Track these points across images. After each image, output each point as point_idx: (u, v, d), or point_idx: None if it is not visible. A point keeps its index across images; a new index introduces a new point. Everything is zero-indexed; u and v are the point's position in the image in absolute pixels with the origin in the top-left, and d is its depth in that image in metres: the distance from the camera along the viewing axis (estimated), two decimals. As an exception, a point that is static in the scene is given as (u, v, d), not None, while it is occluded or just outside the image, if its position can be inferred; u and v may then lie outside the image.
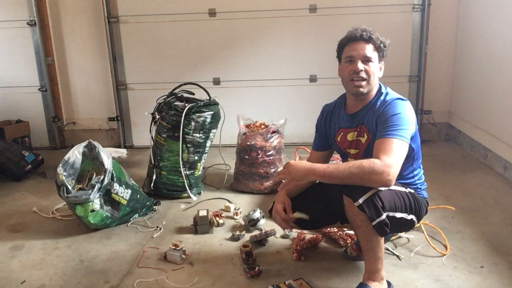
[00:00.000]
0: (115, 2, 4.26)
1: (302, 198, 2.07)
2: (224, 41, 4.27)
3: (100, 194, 2.53)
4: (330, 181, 1.70)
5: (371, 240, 1.75)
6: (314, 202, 2.02)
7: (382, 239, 1.77)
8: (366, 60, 1.84)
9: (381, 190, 1.69)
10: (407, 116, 1.79)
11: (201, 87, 3.12)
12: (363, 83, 1.85)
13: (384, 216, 1.69)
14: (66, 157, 2.61)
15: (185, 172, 3.02)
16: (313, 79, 4.30)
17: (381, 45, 1.86)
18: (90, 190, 2.48)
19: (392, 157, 1.66)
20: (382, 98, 1.88)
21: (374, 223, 1.68)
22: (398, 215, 1.77)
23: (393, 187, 1.76)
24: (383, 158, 1.65)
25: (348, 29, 1.93)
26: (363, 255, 1.84)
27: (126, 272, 2.16)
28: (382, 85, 1.95)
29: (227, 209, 2.84)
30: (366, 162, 1.64)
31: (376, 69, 1.87)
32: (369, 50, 1.84)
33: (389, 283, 1.89)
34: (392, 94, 1.89)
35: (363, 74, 1.84)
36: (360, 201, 1.67)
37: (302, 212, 1.96)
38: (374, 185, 1.67)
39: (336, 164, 1.74)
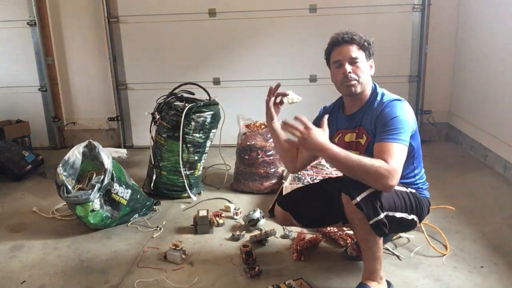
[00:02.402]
0: (115, 2, 4.25)
1: (305, 198, 2.07)
2: (224, 41, 4.27)
3: (100, 194, 2.53)
4: (337, 166, 1.69)
5: (368, 239, 1.75)
6: (316, 201, 2.02)
7: (381, 239, 1.77)
8: (353, 61, 1.85)
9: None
10: (405, 117, 1.78)
11: (201, 87, 3.12)
12: (355, 82, 1.85)
13: (382, 215, 1.69)
14: (66, 157, 2.61)
15: (185, 172, 3.02)
16: (313, 79, 4.29)
17: (365, 43, 1.87)
18: (90, 190, 2.48)
19: (398, 162, 1.65)
20: (378, 99, 1.88)
21: (371, 222, 1.68)
22: (398, 215, 1.77)
23: None
24: (390, 162, 1.64)
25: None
26: (362, 254, 1.84)
27: (126, 272, 2.16)
28: (377, 85, 1.95)
29: (227, 209, 2.84)
30: (377, 162, 1.62)
31: (365, 67, 1.87)
32: (353, 51, 1.85)
33: (389, 283, 1.89)
34: (388, 95, 1.89)
35: (352, 75, 1.84)
36: (358, 199, 1.67)
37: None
38: (376, 186, 1.66)
39: (349, 152, 1.70)
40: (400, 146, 1.71)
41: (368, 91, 1.91)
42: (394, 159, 1.65)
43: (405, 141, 1.73)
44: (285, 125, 1.71)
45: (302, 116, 1.70)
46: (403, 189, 1.84)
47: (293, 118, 1.70)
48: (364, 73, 1.86)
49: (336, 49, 1.88)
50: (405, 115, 1.79)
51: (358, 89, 1.87)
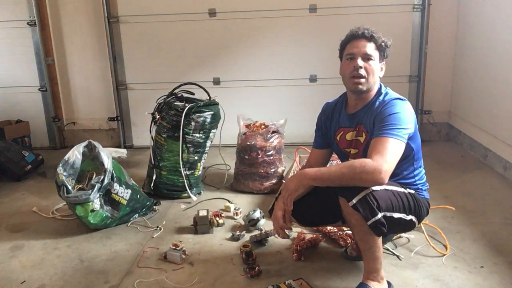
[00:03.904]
0: (115, 2, 4.25)
1: (304, 197, 2.07)
2: (224, 41, 4.27)
3: (100, 194, 2.53)
4: (323, 184, 1.71)
5: (367, 240, 1.75)
6: (315, 200, 2.02)
7: (380, 239, 1.77)
8: (367, 58, 1.85)
9: (376, 190, 1.69)
10: (404, 115, 1.79)
11: (201, 87, 3.12)
12: (362, 80, 1.85)
13: (379, 215, 1.69)
14: (66, 157, 2.61)
15: (185, 172, 3.02)
16: (313, 79, 4.29)
17: (383, 44, 1.87)
18: (90, 190, 2.48)
19: (384, 156, 1.66)
20: (381, 98, 1.88)
21: (369, 222, 1.68)
22: (396, 215, 1.77)
23: (390, 187, 1.76)
24: (375, 157, 1.65)
25: (348, 29, 1.93)
26: (362, 255, 1.84)
27: (126, 272, 2.16)
28: (382, 85, 1.95)
29: (227, 209, 2.84)
30: (357, 162, 1.66)
31: (376, 68, 1.87)
32: (370, 48, 1.85)
33: (389, 283, 1.89)
34: (391, 94, 1.90)
35: (362, 71, 1.84)
36: (354, 201, 1.67)
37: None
38: (366, 184, 1.67)
39: (328, 166, 1.75)
40: (394, 140, 1.71)
41: (374, 91, 1.91)
42: (382, 154, 1.66)
43: (401, 137, 1.73)
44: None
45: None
46: (402, 189, 1.84)
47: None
48: (374, 73, 1.86)
49: (353, 41, 1.88)
50: (404, 113, 1.79)
51: (364, 88, 1.86)
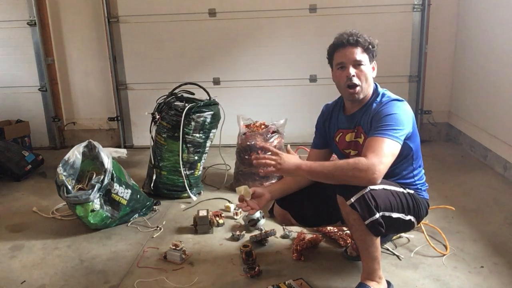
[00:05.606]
0: (115, 2, 4.26)
1: (303, 197, 2.07)
2: (224, 41, 4.27)
3: (100, 194, 2.53)
4: (317, 178, 1.72)
5: (365, 240, 1.75)
6: (315, 200, 2.02)
7: (378, 239, 1.77)
8: (357, 64, 1.84)
9: (374, 190, 1.69)
10: (401, 116, 1.78)
11: (201, 87, 3.13)
12: (358, 88, 1.85)
13: (377, 215, 1.69)
14: (66, 157, 2.61)
15: (185, 172, 3.02)
16: (313, 79, 4.30)
17: (369, 46, 1.86)
18: (90, 190, 2.48)
19: (379, 155, 1.65)
20: (378, 99, 1.88)
21: (366, 222, 1.68)
22: (395, 215, 1.77)
23: (389, 187, 1.76)
24: (369, 156, 1.65)
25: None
26: (360, 255, 1.84)
27: (126, 272, 2.16)
28: (378, 85, 1.95)
29: (227, 209, 2.84)
30: (351, 159, 1.67)
31: (368, 70, 1.87)
32: (358, 53, 1.84)
33: (389, 283, 1.89)
34: (388, 95, 1.89)
35: (355, 80, 1.84)
36: (352, 199, 1.67)
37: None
38: (359, 182, 1.66)
39: (323, 162, 1.75)
40: (389, 141, 1.71)
41: (370, 93, 1.91)
42: (376, 153, 1.66)
43: (396, 137, 1.73)
44: (258, 161, 1.77)
45: (267, 144, 1.82)
46: (401, 189, 1.84)
47: (260, 147, 1.78)
48: (367, 77, 1.86)
49: (340, 50, 1.87)
50: (401, 114, 1.79)
51: (360, 96, 1.87)
